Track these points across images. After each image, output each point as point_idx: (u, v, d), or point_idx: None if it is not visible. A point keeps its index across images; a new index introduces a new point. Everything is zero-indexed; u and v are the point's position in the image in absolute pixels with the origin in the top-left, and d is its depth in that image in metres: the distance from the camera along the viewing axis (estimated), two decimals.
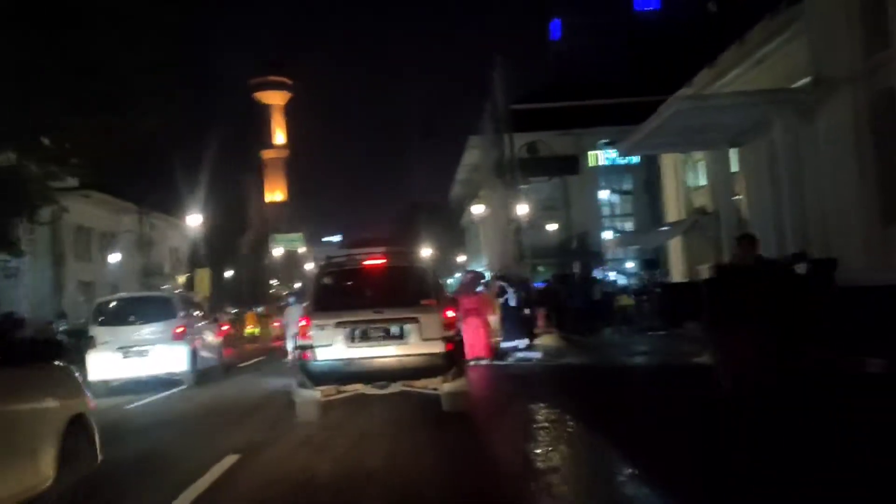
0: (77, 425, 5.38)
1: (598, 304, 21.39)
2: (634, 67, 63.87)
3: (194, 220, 31.20)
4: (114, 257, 29.86)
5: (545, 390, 10.93)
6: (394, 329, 8.56)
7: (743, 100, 15.72)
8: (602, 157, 46.48)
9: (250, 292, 47.83)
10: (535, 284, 23.02)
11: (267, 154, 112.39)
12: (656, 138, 18.26)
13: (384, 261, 9.49)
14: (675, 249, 28.93)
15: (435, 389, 8.78)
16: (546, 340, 19.09)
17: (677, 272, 28.42)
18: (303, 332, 8.67)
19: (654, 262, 22.79)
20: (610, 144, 47.11)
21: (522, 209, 23.62)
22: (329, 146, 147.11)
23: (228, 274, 46.19)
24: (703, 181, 27.12)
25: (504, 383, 12.37)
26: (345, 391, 8.84)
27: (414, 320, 8.55)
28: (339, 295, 9.25)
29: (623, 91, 47.20)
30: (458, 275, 59.87)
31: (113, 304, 14.74)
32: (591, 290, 23.53)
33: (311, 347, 8.51)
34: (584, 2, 79.88)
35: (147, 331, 13.65)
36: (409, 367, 8.51)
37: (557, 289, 23.27)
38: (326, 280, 9.48)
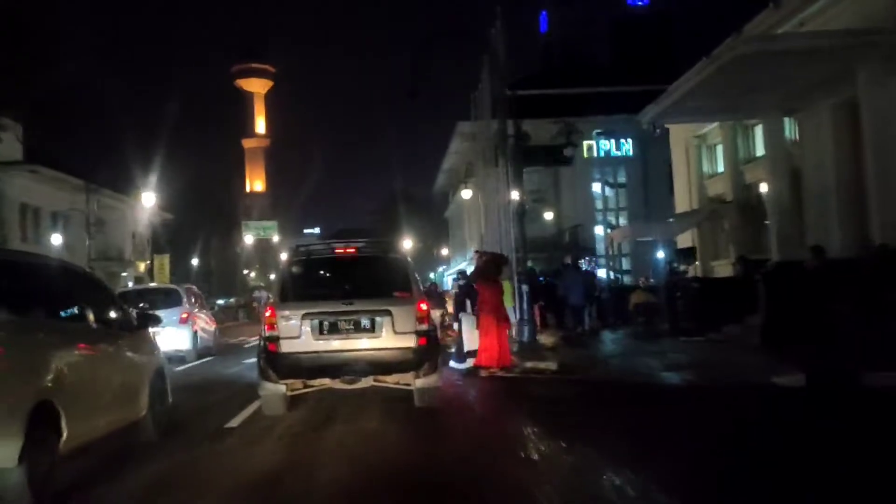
0: (159, 375, 7.69)
1: (601, 301, 17.94)
2: (623, 59, 61.02)
3: (148, 200, 27.33)
4: (55, 238, 25.91)
5: (596, 432, 7.11)
6: (364, 321, 8.13)
7: (828, 42, 11.86)
8: (595, 147, 43.22)
9: (221, 282, 43.94)
10: (539, 278, 19.55)
11: (248, 143, 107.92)
12: (695, 99, 14.58)
13: (355, 250, 9.08)
14: (686, 243, 25.59)
15: (407, 385, 8.40)
16: (546, 341, 15.98)
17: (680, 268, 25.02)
18: (269, 324, 8.19)
19: (689, 252, 19.21)
20: (603, 134, 44.16)
21: (519, 194, 20.09)
22: (311, 136, 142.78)
23: (196, 262, 42.27)
24: (720, 168, 23.74)
25: (524, 413, 8.54)
26: (312, 385, 8.45)
27: (386, 313, 8.12)
28: (307, 285, 8.78)
29: (614, 81, 44.13)
30: (441, 268, 56.98)
31: (131, 293, 16.90)
32: (590, 285, 20.05)
33: (277, 339, 8.10)
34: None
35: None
36: (379, 361, 8.12)
37: (554, 283, 19.95)
38: (295, 269, 8.94)
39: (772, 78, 12.76)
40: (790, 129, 16.23)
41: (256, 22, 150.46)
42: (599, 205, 43.11)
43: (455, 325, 20.56)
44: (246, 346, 21.03)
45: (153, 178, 30.81)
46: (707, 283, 16.53)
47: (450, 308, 21.09)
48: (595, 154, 42.98)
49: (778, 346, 11.41)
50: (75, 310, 6.53)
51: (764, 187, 20.72)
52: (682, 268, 18.49)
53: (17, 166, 26.57)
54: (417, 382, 8.24)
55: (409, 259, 9.92)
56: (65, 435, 5.30)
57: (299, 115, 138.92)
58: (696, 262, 20.30)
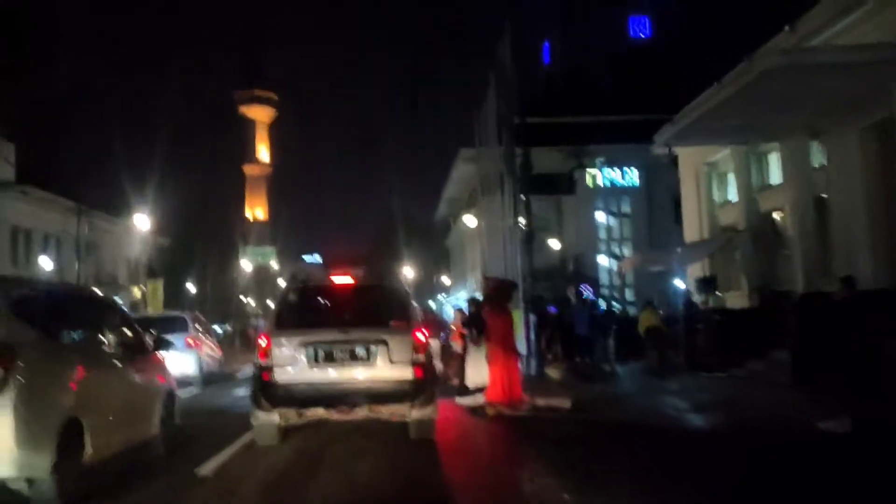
0: (169, 397, 8.21)
1: (606, 331, 16.86)
2: (626, 90, 60.74)
3: (141, 222, 26.36)
4: (45, 261, 24.91)
5: (618, 484, 6.06)
6: (360, 351, 7.95)
7: (863, 55, 10.85)
8: (599, 176, 42.42)
9: (217, 309, 42.85)
10: (550, 308, 18.47)
11: (249, 170, 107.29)
12: (714, 120, 13.60)
13: (353, 278, 8.95)
14: (697, 273, 24.60)
15: (402, 416, 8.18)
16: (553, 374, 14.97)
17: (698, 298, 24.09)
18: (262, 352, 8.01)
19: (710, 281, 18.10)
20: (607, 163, 43.36)
21: (526, 220, 19.22)
22: (313, 163, 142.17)
23: (192, 288, 41.17)
24: (732, 196, 22.84)
25: (536, 458, 7.46)
26: (306, 416, 8.14)
27: (382, 342, 7.97)
28: (303, 313, 8.58)
29: (617, 111, 43.66)
30: (440, 296, 55.95)
31: (141, 320, 16.70)
32: (596, 314, 19.01)
33: (271, 368, 7.93)
34: (578, 28, 76.35)
35: None
36: (375, 391, 7.92)
37: (562, 313, 18.89)
38: (292, 297, 8.90)
39: (799, 96, 11.83)
40: (812, 153, 15.32)
41: (260, 48, 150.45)
42: (603, 234, 42.18)
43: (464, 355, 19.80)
44: (239, 374, 19.93)
45: (149, 202, 30.02)
46: (728, 315, 15.48)
47: (453, 338, 20.20)
48: (599, 183, 42.16)
49: (812, 385, 10.38)
50: (99, 334, 6.99)
51: (779, 216, 19.83)
52: (702, 298, 17.31)
53: (7, 187, 25.70)
54: (413, 414, 8.05)
55: (408, 287, 10.15)
56: (88, 449, 5.83)
57: (302, 142, 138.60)
58: (718, 293, 19.16)
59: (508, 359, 10.41)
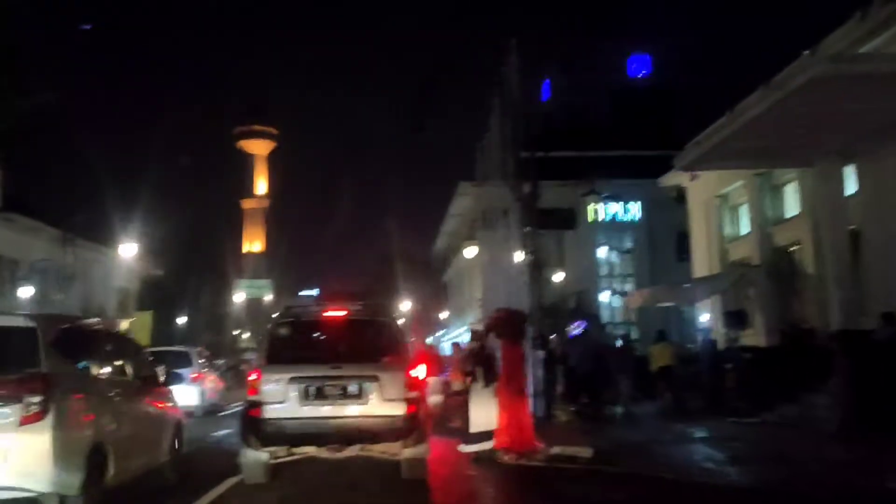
0: (178, 426, 8.70)
1: (623, 369, 15.45)
2: (625, 127, 60.30)
3: (127, 251, 25.14)
4: (26, 291, 23.61)
5: None
6: (352, 387, 7.68)
7: None
8: (602, 211, 41.40)
9: (208, 342, 41.41)
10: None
11: (247, 203, 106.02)
12: (742, 140, 12.37)
13: (345, 313, 8.51)
14: (710, 309, 23.42)
15: (394, 455, 7.87)
16: (561, 416, 14.04)
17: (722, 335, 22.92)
18: (252, 388, 7.78)
19: (740, 315, 16.70)
20: (609, 198, 42.38)
21: (524, 256, 18.08)
22: (311, 197, 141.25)
23: (184, 321, 39.77)
24: (744, 229, 21.76)
25: None
26: (295, 453, 7.83)
27: (374, 378, 7.69)
28: (294, 348, 8.34)
29: (618, 146, 42.89)
30: (439, 332, 54.52)
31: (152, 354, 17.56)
32: (600, 351, 17.61)
33: (261, 404, 7.63)
34: (577, 64, 76.04)
35: None
36: (367, 429, 7.63)
37: (565, 350, 17.49)
38: (283, 331, 8.56)
39: (840, 112, 10.72)
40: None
41: (258, 82, 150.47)
42: (604, 270, 41.02)
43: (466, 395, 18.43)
44: (226, 410, 18.68)
45: (142, 234, 28.91)
46: (757, 354, 14.19)
47: (453, 376, 18.87)
48: (600, 218, 41.16)
49: (863, 434, 9.12)
50: (121, 367, 7.57)
51: (797, 249, 18.73)
52: (732, 334, 15.87)
53: None
54: (405, 452, 7.78)
55: (401, 323, 9.86)
56: (111, 471, 6.38)
57: (300, 176, 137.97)
58: (749, 328, 17.70)
59: (519, 399, 9.16)
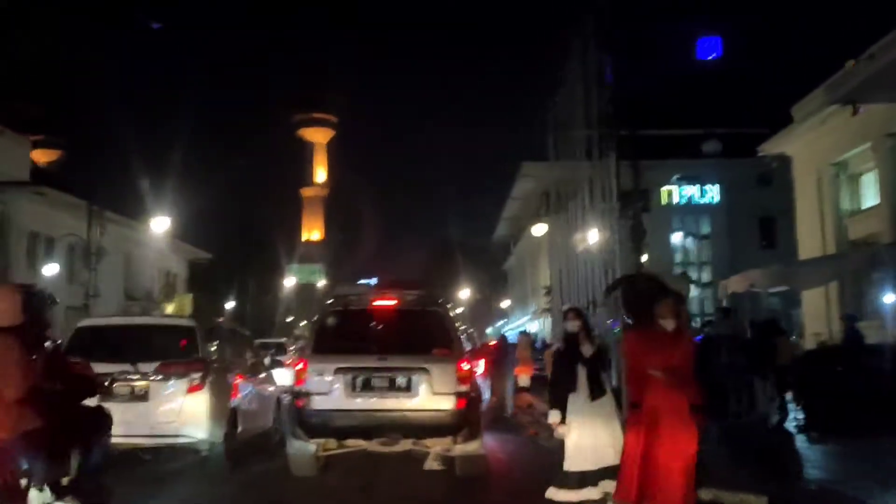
0: (278, 401, 10.23)
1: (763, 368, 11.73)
2: (694, 107, 56.15)
3: (160, 225, 22.70)
4: (50, 268, 21.37)
5: None
6: (400, 379, 7.34)
7: None
8: (676, 194, 37.69)
9: (253, 329, 39.34)
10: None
11: (306, 192, 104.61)
12: None
13: (395, 302, 8.02)
14: (812, 299, 19.76)
15: (448, 450, 7.48)
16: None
17: (809, 332, 19.37)
18: (298, 377, 7.56)
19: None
20: (683, 179, 38.48)
21: (605, 236, 14.79)
22: (371, 187, 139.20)
23: (233, 306, 37.52)
24: (869, 201, 18.02)
25: None
26: (347, 447, 7.58)
27: (423, 370, 7.31)
28: (342, 337, 7.92)
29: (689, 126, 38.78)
30: (500, 322, 51.40)
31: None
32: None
33: (307, 394, 7.38)
34: (643, 49, 71.62)
35: None
36: (414, 423, 7.28)
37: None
38: (331, 320, 8.13)
39: None
40: None
41: (319, 70, 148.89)
42: (679, 257, 37.17)
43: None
44: None
45: (190, 217, 26.74)
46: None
47: (520, 369, 15.64)
48: (674, 201, 37.32)
49: None
50: (243, 355, 9.84)
51: None
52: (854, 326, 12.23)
53: (19, 187, 22.52)
54: (457, 449, 7.45)
55: (459, 313, 7.74)
56: (240, 429, 8.55)
57: (359, 167, 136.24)
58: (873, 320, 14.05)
59: (660, 426, 5.19)
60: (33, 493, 4.37)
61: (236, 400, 8.52)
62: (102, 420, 5.19)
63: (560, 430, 5.91)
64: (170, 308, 28.67)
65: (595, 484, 5.72)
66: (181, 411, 7.65)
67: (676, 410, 5.13)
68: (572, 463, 5.83)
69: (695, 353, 5.31)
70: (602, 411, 5.90)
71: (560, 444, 6.08)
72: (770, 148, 20.97)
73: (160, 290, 31.97)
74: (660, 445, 5.14)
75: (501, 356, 16.03)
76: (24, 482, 4.34)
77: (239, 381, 8.75)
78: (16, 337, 4.40)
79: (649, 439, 5.15)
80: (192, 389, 7.73)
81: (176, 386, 7.71)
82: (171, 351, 8.04)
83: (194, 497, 7.11)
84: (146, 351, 7.89)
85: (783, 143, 20.16)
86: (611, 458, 5.68)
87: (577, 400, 5.87)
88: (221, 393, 8.10)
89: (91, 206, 20.87)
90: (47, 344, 4.83)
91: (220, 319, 11.61)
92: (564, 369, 6.10)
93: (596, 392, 5.88)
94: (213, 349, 8.43)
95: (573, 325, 6.11)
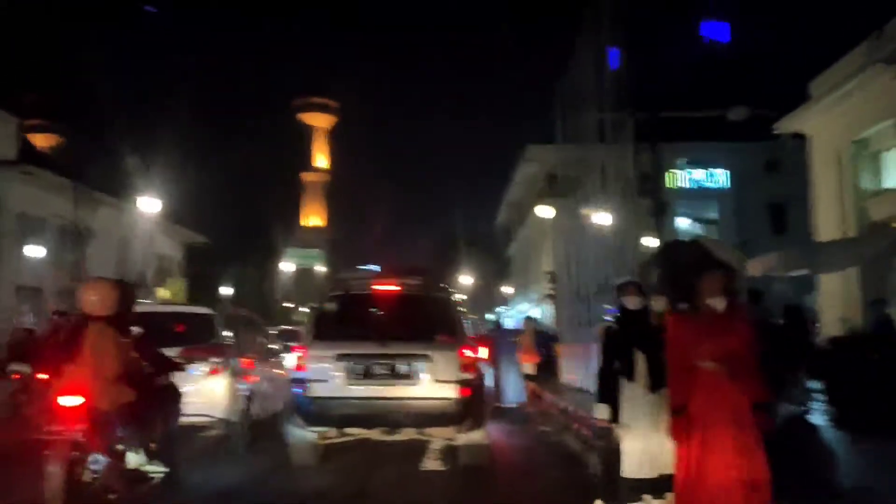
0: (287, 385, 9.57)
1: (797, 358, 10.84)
2: (702, 91, 55.13)
3: (149, 206, 21.73)
4: (35, 250, 20.49)
5: None
6: (401, 367, 7.26)
7: None
8: (683, 177, 36.75)
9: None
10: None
11: (307, 177, 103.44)
12: None
13: (397, 288, 7.89)
14: (829, 286, 18.90)
15: (451, 440, 7.53)
16: None
17: (829, 320, 18.47)
18: (298, 364, 7.53)
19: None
20: (691, 164, 37.46)
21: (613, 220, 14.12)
22: (372, 173, 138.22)
23: (228, 291, 36.66)
24: (893, 181, 17.09)
25: None
26: (348, 435, 7.44)
27: (425, 357, 7.25)
28: (343, 323, 7.88)
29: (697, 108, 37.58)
30: (501, 308, 50.56)
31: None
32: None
33: (307, 382, 7.33)
34: (647, 32, 70.41)
35: None
36: (416, 412, 7.18)
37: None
38: (331, 305, 8.08)
39: None
40: None
41: (321, 56, 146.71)
42: None
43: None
44: None
45: (185, 198, 25.82)
46: None
47: (524, 356, 14.82)
48: (681, 185, 36.29)
49: None
50: (258, 342, 10.81)
51: None
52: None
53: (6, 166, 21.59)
54: (460, 438, 7.36)
55: (457, 298, 8.89)
56: (255, 410, 9.56)
57: (362, 154, 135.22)
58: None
59: (720, 435, 4.18)
60: (130, 455, 5.19)
61: (251, 384, 9.46)
62: (176, 395, 6.18)
63: (617, 431, 4.92)
64: (162, 293, 27.83)
65: (658, 495, 4.66)
66: (202, 392, 8.26)
67: (735, 412, 4.13)
68: (626, 468, 4.79)
69: (756, 338, 4.34)
70: (662, 405, 4.86)
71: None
72: (786, 126, 19.98)
73: (153, 274, 31.12)
74: (716, 461, 4.09)
75: (496, 343, 15.79)
76: (121, 447, 5.11)
77: (253, 366, 9.71)
78: (113, 324, 5.15)
79: (702, 454, 4.09)
80: (212, 372, 8.69)
81: (198, 370, 8.30)
82: (192, 337, 8.62)
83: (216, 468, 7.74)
84: (169, 337, 8.03)
85: (800, 120, 19.18)
86: (665, 462, 4.69)
87: (633, 392, 4.88)
88: (238, 376, 9.09)
89: (75, 186, 19.90)
90: (135, 329, 5.48)
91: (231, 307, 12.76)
92: (620, 353, 5.12)
93: (656, 382, 4.90)
94: (230, 335, 9.30)
95: (634, 302, 5.09)
